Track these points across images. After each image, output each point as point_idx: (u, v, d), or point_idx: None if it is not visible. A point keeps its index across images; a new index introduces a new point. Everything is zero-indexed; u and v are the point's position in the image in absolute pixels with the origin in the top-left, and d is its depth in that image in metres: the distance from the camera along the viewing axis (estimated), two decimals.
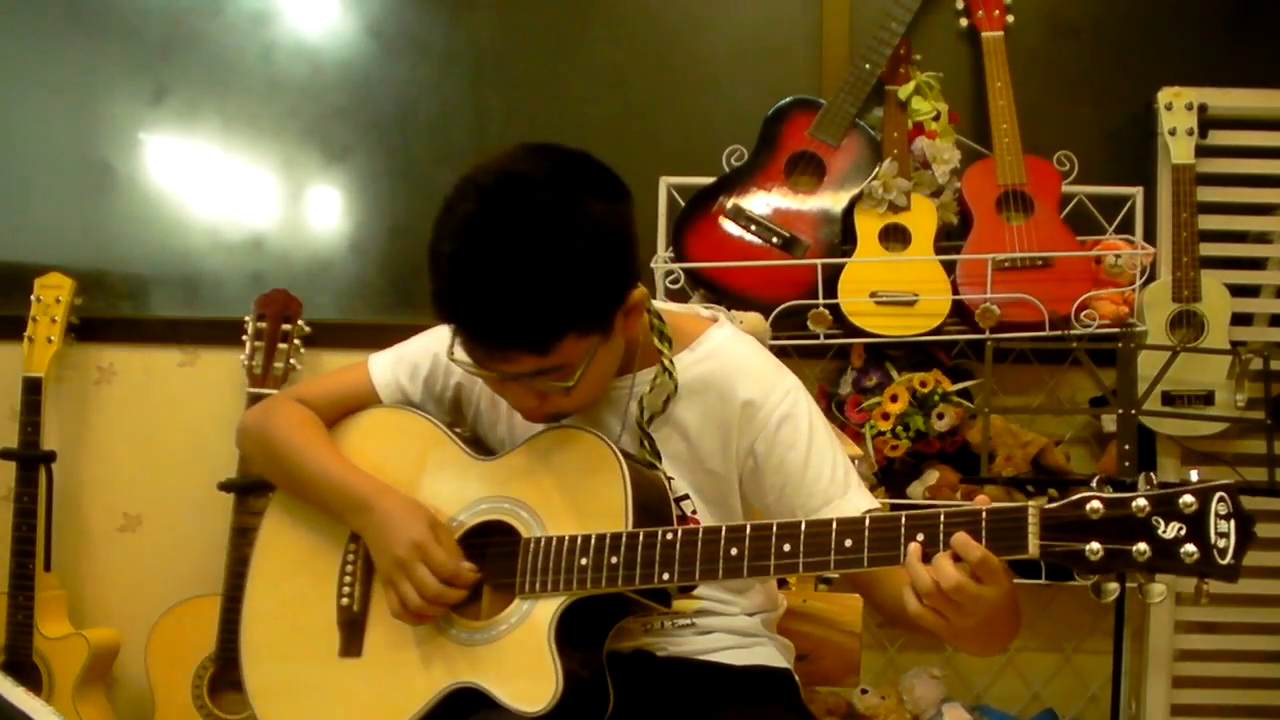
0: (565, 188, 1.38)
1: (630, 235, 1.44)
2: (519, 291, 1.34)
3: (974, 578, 1.23)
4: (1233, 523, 1.17)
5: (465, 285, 1.37)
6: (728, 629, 1.57)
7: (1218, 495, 1.17)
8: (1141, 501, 1.18)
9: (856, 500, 1.50)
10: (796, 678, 1.63)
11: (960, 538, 1.23)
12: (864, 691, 2.67)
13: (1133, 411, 2.40)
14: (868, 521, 1.31)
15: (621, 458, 1.44)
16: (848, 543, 1.31)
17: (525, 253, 1.34)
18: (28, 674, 2.65)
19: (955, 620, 1.26)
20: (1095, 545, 1.19)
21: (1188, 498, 1.17)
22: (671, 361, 1.53)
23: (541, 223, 1.35)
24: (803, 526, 1.34)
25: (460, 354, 1.46)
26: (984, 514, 1.24)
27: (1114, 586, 1.20)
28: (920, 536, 1.27)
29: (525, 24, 3.02)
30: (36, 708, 1.34)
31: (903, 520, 1.29)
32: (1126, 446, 2.40)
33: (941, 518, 1.26)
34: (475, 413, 1.65)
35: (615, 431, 1.54)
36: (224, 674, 2.64)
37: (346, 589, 1.56)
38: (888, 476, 2.74)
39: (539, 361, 1.39)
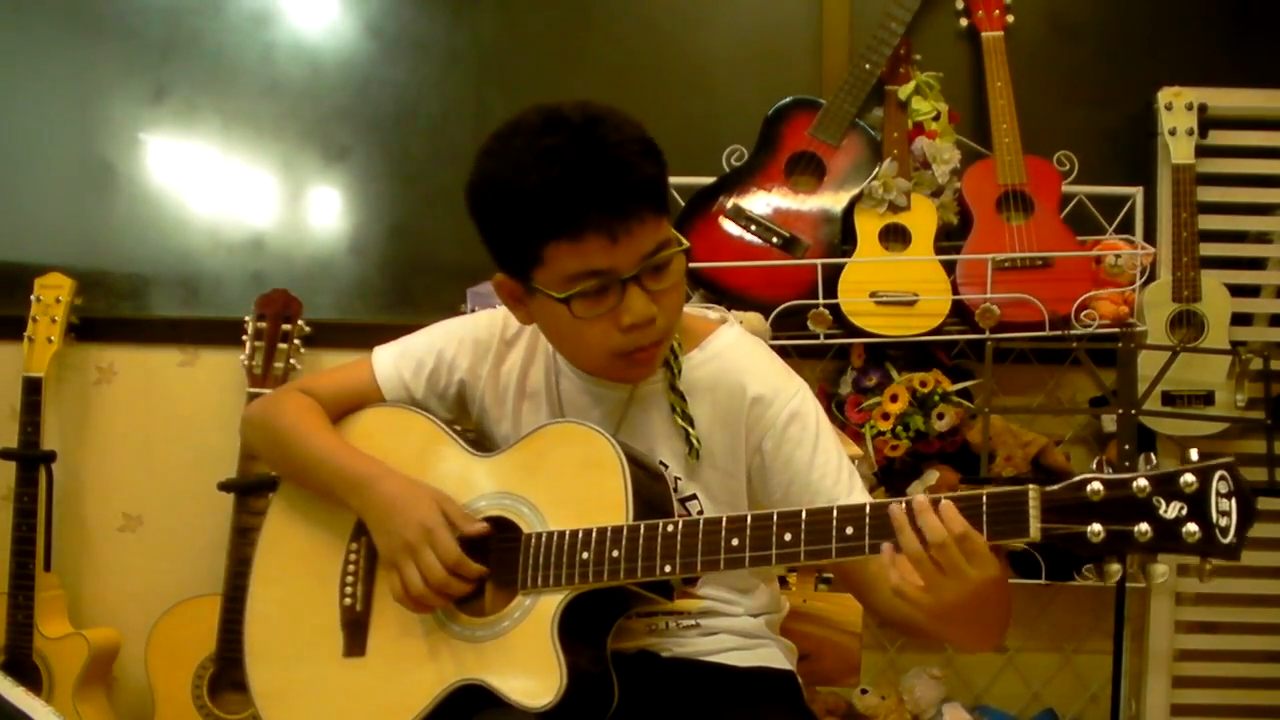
0: None
1: None
2: (636, 139, 1.41)
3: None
4: (1234, 501, 1.16)
5: (590, 151, 1.38)
6: (732, 630, 1.57)
7: (1218, 474, 1.16)
8: (1142, 482, 1.18)
9: (859, 502, 1.49)
10: (799, 679, 1.63)
11: (946, 506, 1.24)
12: (864, 691, 2.67)
13: (1133, 411, 2.40)
14: (868, 508, 1.32)
15: (621, 452, 1.44)
16: (849, 530, 1.31)
17: (622, 118, 1.43)
18: (28, 674, 2.64)
19: (938, 591, 1.25)
20: (1097, 527, 1.19)
21: (1188, 477, 1.17)
22: (678, 359, 1.53)
23: (624, 112, 1.45)
24: (803, 515, 1.34)
25: (552, 281, 1.41)
26: (984, 497, 1.25)
27: (1116, 567, 1.20)
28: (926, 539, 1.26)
29: (526, 24, 3.02)
30: (36, 708, 1.34)
31: (904, 505, 1.28)
32: (1126, 446, 2.40)
33: (941, 502, 1.26)
34: (480, 409, 1.65)
35: (613, 422, 1.54)
36: (224, 674, 2.64)
37: (349, 588, 1.56)
38: (888, 476, 2.75)
39: (656, 225, 1.41)
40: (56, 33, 3.04)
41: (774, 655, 1.60)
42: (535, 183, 1.37)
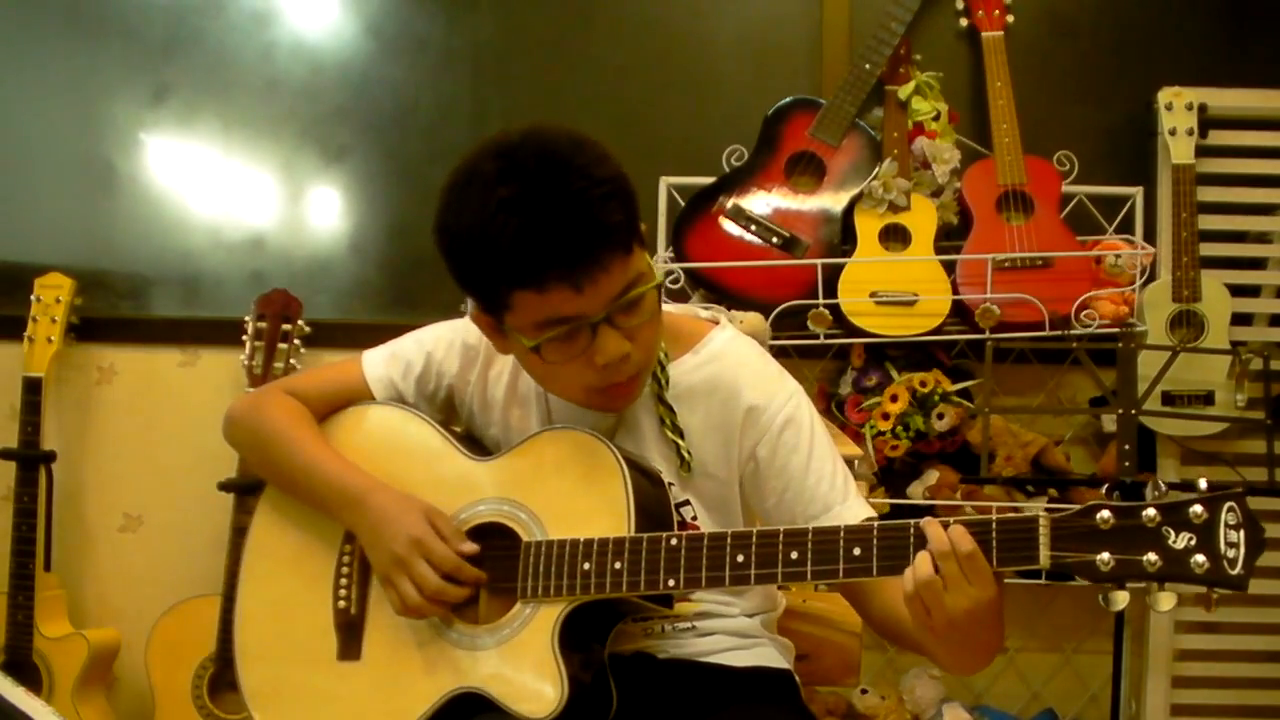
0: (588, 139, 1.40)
1: None
2: (597, 180, 1.33)
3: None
4: (1242, 532, 1.17)
5: (547, 203, 1.32)
6: (728, 630, 1.57)
7: (1227, 505, 1.18)
8: (1152, 512, 1.19)
9: (856, 508, 1.50)
10: (797, 678, 1.63)
11: (957, 529, 1.24)
12: (864, 691, 2.67)
13: (1133, 411, 2.40)
14: (876, 530, 1.31)
15: (622, 459, 1.43)
16: (856, 551, 1.30)
17: (584, 157, 1.35)
18: (28, 674, 2.64)
19: (936, 604, 1.25)
20: (1106, 556, 1.20)
21: (1197, 508, 1.18)
22: (664, 369, 1.52)
23: (588, 143, 1.37)
24: (810, 534, 1.33)
25: (522, 325, 1.40)
26: (994, 524, 1.25)
27: (1123, 595, 1.21)
28: (928, 545, 1.26)
29: (525, 23, 3.02)
30: (36, 708, 1.34)
31: (912, 529, 1.28)
32: (1126, 446, 2.40)
33: (952, 524, 1.26)
34: (469, 414, 1.63)
35: (605, 430, 1.52)
36: (224, 674, 2.64)
37: (343, 591, 1.54)
38: (888, 476, 2.74)
39: (624, 267, 1.36)
40: (58, 33, 3.04)
41: (771, 654, 1.60)
42: (494, 235, 1.33)
